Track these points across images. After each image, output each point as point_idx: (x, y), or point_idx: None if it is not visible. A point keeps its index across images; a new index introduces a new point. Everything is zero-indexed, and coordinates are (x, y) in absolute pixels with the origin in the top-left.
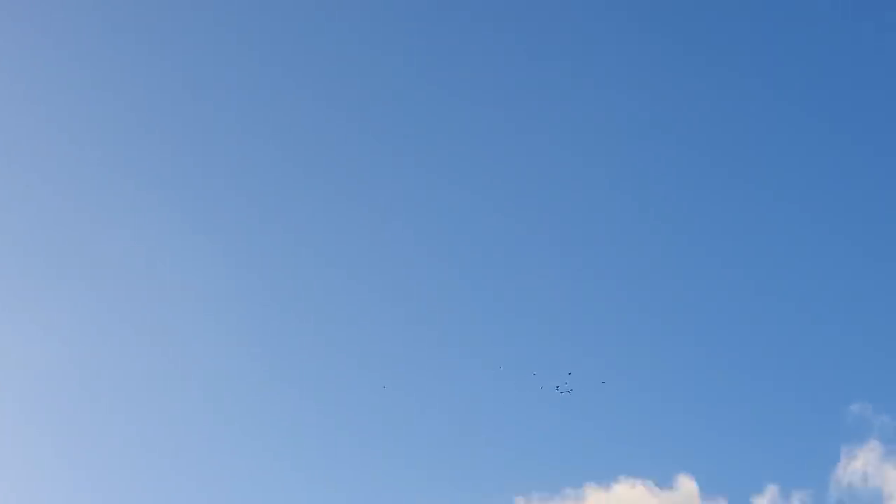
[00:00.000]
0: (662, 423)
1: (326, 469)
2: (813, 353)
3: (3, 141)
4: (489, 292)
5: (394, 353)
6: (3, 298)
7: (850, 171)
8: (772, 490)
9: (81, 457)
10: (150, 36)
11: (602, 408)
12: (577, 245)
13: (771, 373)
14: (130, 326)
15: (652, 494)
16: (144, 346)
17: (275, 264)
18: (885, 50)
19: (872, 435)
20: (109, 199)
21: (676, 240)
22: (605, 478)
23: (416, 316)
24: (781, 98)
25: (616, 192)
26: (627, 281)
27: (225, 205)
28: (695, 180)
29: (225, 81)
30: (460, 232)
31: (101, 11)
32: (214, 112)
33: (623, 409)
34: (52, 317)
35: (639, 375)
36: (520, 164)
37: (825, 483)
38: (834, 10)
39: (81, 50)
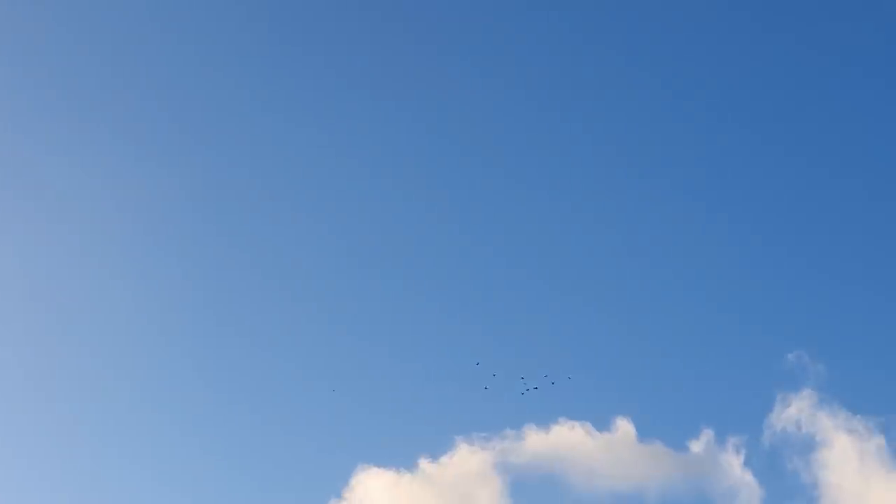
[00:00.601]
0: (601, 367)
1: None
2: (752, 302)
3: None
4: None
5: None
6: None
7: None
8: (707, 434)
9: None
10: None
11: (542, 352)
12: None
13: (709, 320)
14: None
15: (590, 436)
16: None
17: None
18: None
19: (807, 383)
20: None
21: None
22: (545, 420)
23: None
24: None
25: None
26: (575, 226)
27: None
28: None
29: None
30: None
31: None
32: None
33: (563, 353)
34: None
35: (579, 322)
36: None
37: (759, 429)
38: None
39: None
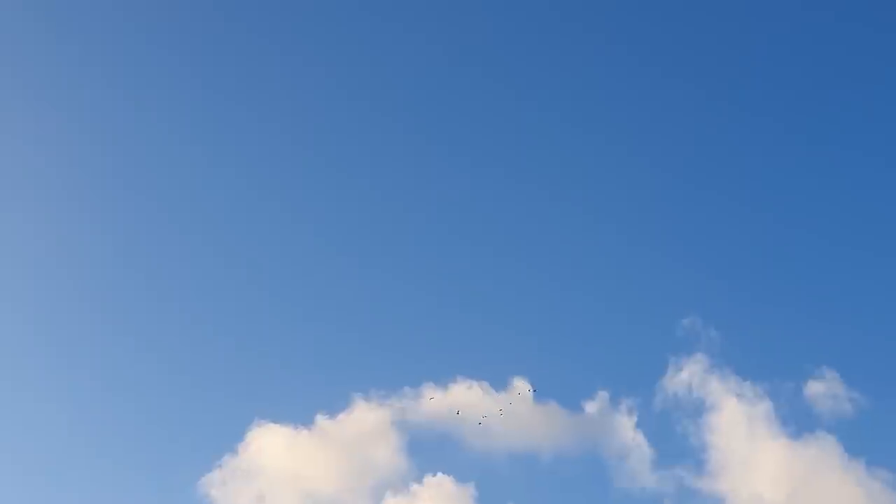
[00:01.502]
0: (500, 327)
1: None
2: (649, 269)
3: None
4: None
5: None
6: None
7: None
8: (602, 396)
9: None
10: None
11: (441, 311)
12: None
13: (606, 285)
14: None
15: (488, 395)
16: None
17: None
18: None
19: (700, 348)
20: None
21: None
22: (444, 378)
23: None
24: None
25: None
26: (477, 181)
27: None
28: None
29: None
30: None
31: None
32: None
33: (462, 313)
34: None
35: (477, 282)
36: None
37: (652, 392)
38: None
39: None
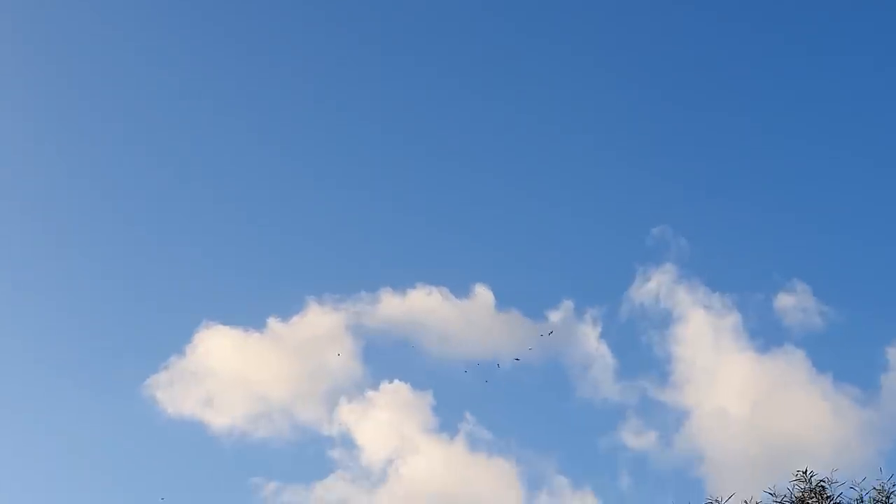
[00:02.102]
0: (461, 231)
1: None
2: (618, 176)
3: None
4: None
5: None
6: None
7: None
8: (566, 305)
9: None
10: None
11: (401, 215)
12: None
13: (576, 192)
14: None
15: (448, 302)
16: None
17: None
18: None
19: (669, 258)
20: None
21: None
22: (402, 283)
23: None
24: None
25: None
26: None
27: None
28: None
29: None
30: None
31: None
32: None
33: (422, 218)
34: None
35: (439, 187)
36: None
37: (618, 302)
38: None
39: None
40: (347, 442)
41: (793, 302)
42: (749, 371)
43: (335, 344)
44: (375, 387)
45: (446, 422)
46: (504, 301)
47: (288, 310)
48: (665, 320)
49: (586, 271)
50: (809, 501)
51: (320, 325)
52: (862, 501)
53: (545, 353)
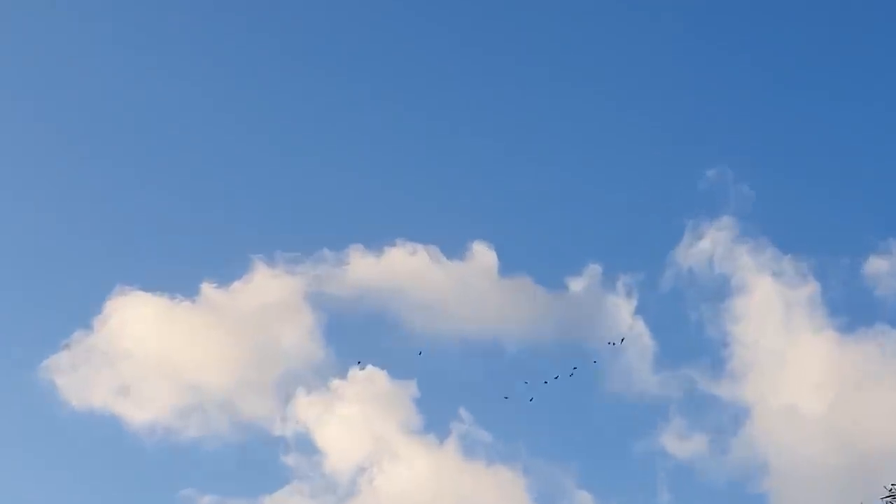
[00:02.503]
0: (455, 174)
1: None
2: (664, 103)
3: None
4: None
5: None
6: None
7: None
8: (592, 270)
9: None
10: None
11: (376, 152)
12: None
13: (601, 125)
14: None
15: (437, 265)
16: None
17: None
18: None
19: (727, 209)
20: None
21: None
22: (378, 240)
23: None
24: None
25: None
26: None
27: None
28: None
29: None
30: None
31: None
32: None
33: (405, 157)
34: None
35: (425, 117)
36: None
37: (660, 267)
38: None
39: None
40: (306, 445)
41: (887, 267)
42: (828, 358)
43: (290, 317)
44: (342, 374)
45: (434, 420)
46: (510, 264)
47: (227, 272)
48: (721, 291)
49: (618, 226)
50: None
51: (270, 292)
52: None
53: (564, 332)
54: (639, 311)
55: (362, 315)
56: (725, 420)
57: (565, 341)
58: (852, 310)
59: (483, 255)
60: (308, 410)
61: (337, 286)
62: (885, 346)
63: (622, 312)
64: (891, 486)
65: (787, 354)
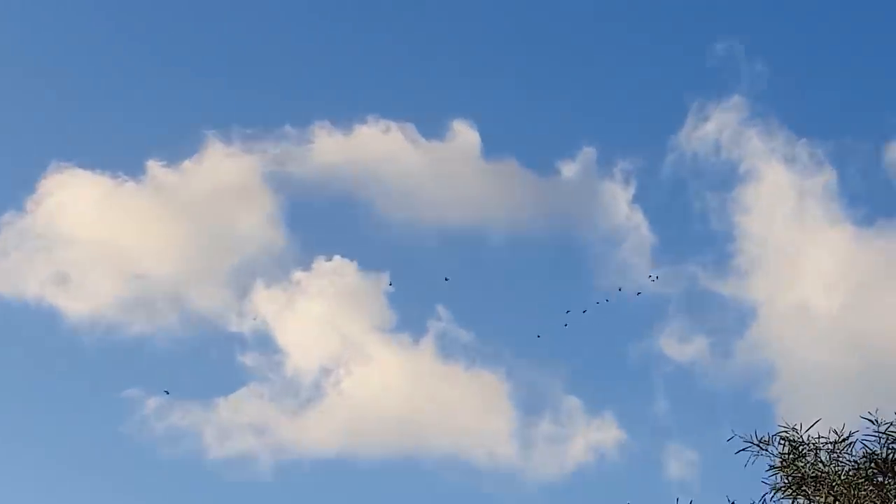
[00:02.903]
0: (434, 42)
1: None
2: None
3: None
4: None
5: None
6: None
7: None
8: (586, 154)
9: None
10: None
11: (345, 22)
12: None
13: None
14: None
15: (414, 145)
16: None
17: None
18: None
19: (738, 88)
20: None
21: None
22: (346, 116)
23: None
24: None
25: None
26: None
27: None
28: None
29: None
30: None
31: None
32: None
33: (377, 18)
34: None
35: None
36: None
37: (662, 151)
38: None
39: None
40: (265, 343)
41: None
42: (844, 253)
43: (247, 201)
44: (306, 265)
45: (409, 318)
46: (495, 145)
47: (177, 150)
48: (728, 179)
49: (616, 105)
50: None
51: (225, 172)
52: None
53: (555, 220)
54: (637, 199)
55: (328, 200)
56: (730, 321)
57: (555, 232)
58: (872, 200)
59: (465, 134)
60: (267, 305)
61: (300, 167)
62: None
63: (619, 201)
64: None
65: (798, 249)
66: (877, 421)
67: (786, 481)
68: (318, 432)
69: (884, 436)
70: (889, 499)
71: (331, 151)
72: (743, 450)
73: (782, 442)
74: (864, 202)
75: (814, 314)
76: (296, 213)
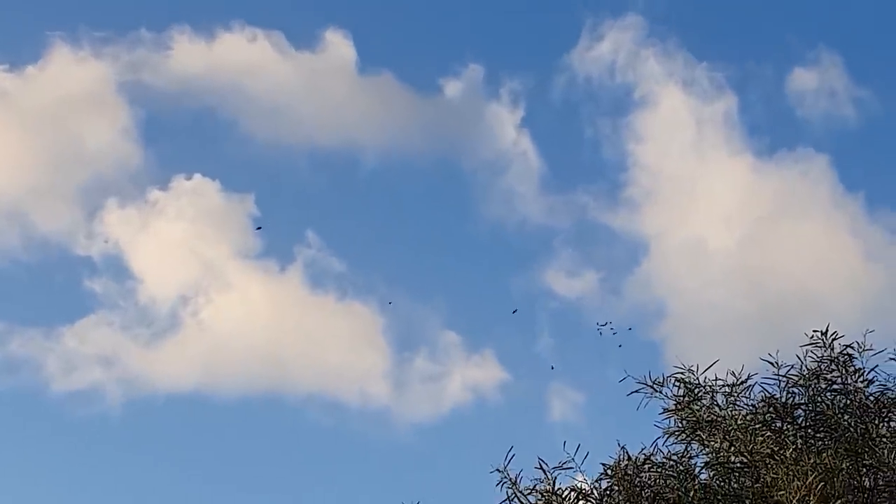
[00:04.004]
0: None
1: None
2: None
3: None
4: None
5: None
6: None
7: None
8: (472, 72)
9: None
10: None
11: None
12: None
13: None
14: None
15: (282, 56)
16: None
17: None
18: None
19: (633, 5)
20: None
21: None
22: (207, 20)
23: None
24: None
25: None
26: None
27: None
28: None
29: None
30: None
31: None
32: None
33: None
34: None
35: None
36: None
37: (552, 70)
38: None
39: None
40: (116, 268)
41: (815, 82)
42: (743, 185)
43: (98, 112)
44: (163, 184)
45: (276, 244)
46: (372, 58)
47: (18, 53)
48: (623, 103)
49: (504, 20)
50: (829, 375)
51: (73, 80)
52: None
53: (434, 144)
54: (526, 123)
55: (189, 113)
56: (620, 256)
57: (436, 156)
58: (773, 130)
59: (338, 46)
60: (120, 227)
61: (157, 76)
62: (808, 172)
63: (506, 125)
64: (813, 333)
65: (695, 181)
66: (777, 363)
67: (680, 425)
68: (173, 365)
69: (783, 379)
70: (786, 444)
71: (191, 60)
72: (635, 391)
73: (677, 384)
74: (765, 132)
75: (709, 250)
76: (152, 126)
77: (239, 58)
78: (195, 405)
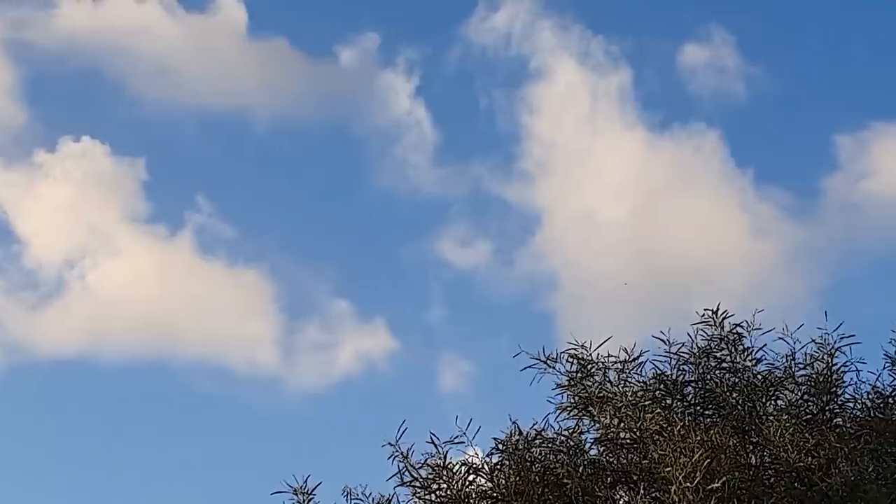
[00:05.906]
0: None
1: None
2: None
3: None
4: None
5: None
6: None
7: None
8: (368, 40)
9: None
10: None
11: None
12: None
13: None
14: None
15: (172, 17)
16: None
17: None
18: None
19: None
20: None
21: None
22: None
23: None
24: None
25: None
26: None
27: None
28: None
29: None
30: None
31: None
32: None
33: None
34: None
35: None
36: None
37: (448, 41)
38: None
39: None
40: (1, 231)
41: (706, 57)
42: (636, 159)
43: None
44: (50, 146)
45: (165, 208)
46: (264, 22)
47: None
48: (517, 76)
49: None
50: (719, 354)
51: None
52: (794, 357)
53: (327, 111)
54: (420, 93)
55: (75, 73)
56: (513, 227)
57: (329, 123)
58: (667, 104)
59: (230, 8)
60: (4, 189)
61: (42, 34)
62: (700, 147)
63: (400, 95)
64: (703, 311)
65: (588, 154)
66: (668, 341)
67: (572, 401)
68: (57, 330)
69: (675, 356)
70: (675, 421)
71: (77, 18)
72: (529, 367)
73: (570, 360)
74: (659, 106)
75: (600, 222)
76: (38, 86)
77: (127, 17)
78: (79, 370)
